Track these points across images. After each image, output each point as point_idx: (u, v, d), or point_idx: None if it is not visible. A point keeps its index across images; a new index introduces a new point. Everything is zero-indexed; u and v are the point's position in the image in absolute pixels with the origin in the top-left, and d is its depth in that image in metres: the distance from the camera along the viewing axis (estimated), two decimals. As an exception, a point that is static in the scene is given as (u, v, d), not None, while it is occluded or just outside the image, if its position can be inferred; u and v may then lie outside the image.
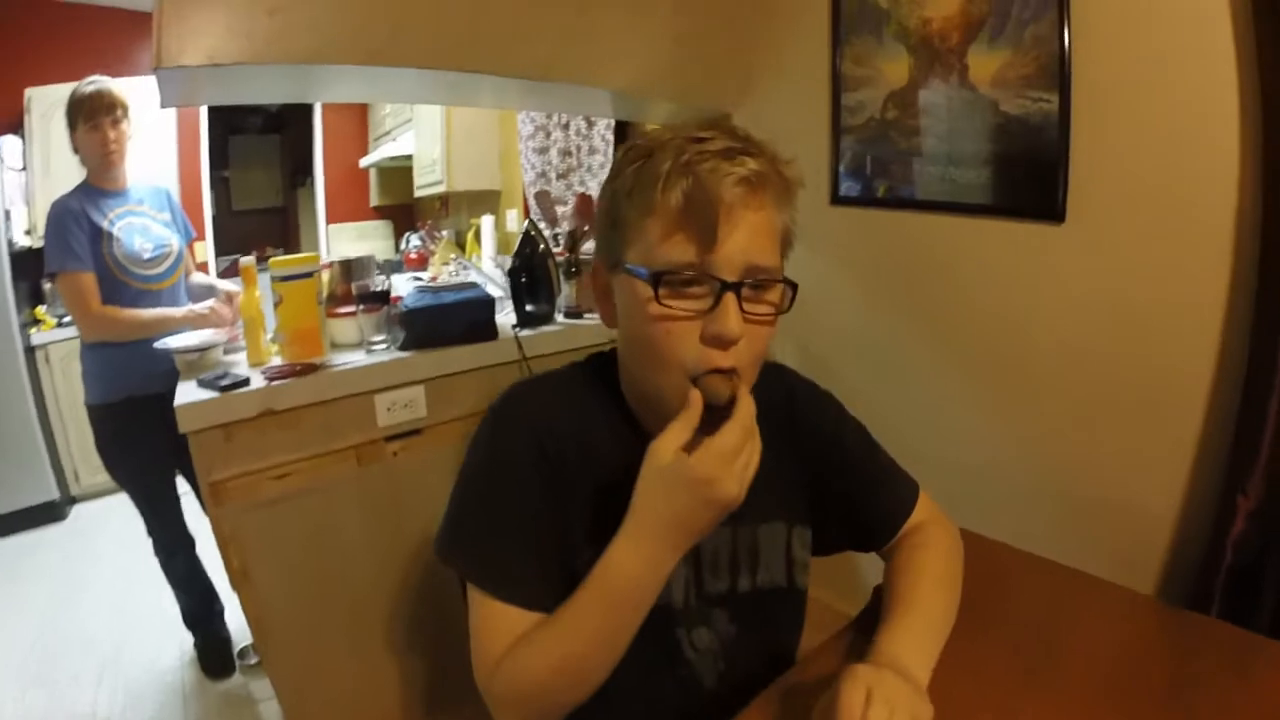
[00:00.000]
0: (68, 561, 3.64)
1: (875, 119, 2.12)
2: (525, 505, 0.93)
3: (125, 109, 2.36)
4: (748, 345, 0.85)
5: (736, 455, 0.80)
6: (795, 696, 0.93)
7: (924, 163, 2.01)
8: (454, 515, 0.97)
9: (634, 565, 0.84)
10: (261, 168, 6.53)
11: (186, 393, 1.79)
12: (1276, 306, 1.33)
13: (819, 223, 2.13)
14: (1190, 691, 0.88)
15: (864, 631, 0.99)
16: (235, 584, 1.82)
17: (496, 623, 0.91)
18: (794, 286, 0.89)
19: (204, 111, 4.97)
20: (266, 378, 1.82)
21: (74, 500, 4.29)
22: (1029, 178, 1.79)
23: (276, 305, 1.94)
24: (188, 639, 2.74)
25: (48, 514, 4.06)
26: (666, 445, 0.81)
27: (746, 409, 0.83)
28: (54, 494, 4.08)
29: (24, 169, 4.22)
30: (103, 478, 3.33)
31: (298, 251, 6.06)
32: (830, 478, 1.10)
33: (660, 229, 0.84)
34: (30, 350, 4.05)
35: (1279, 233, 1.33)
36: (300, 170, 6.25)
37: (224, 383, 1.79)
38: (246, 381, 1.81)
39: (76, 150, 2.36)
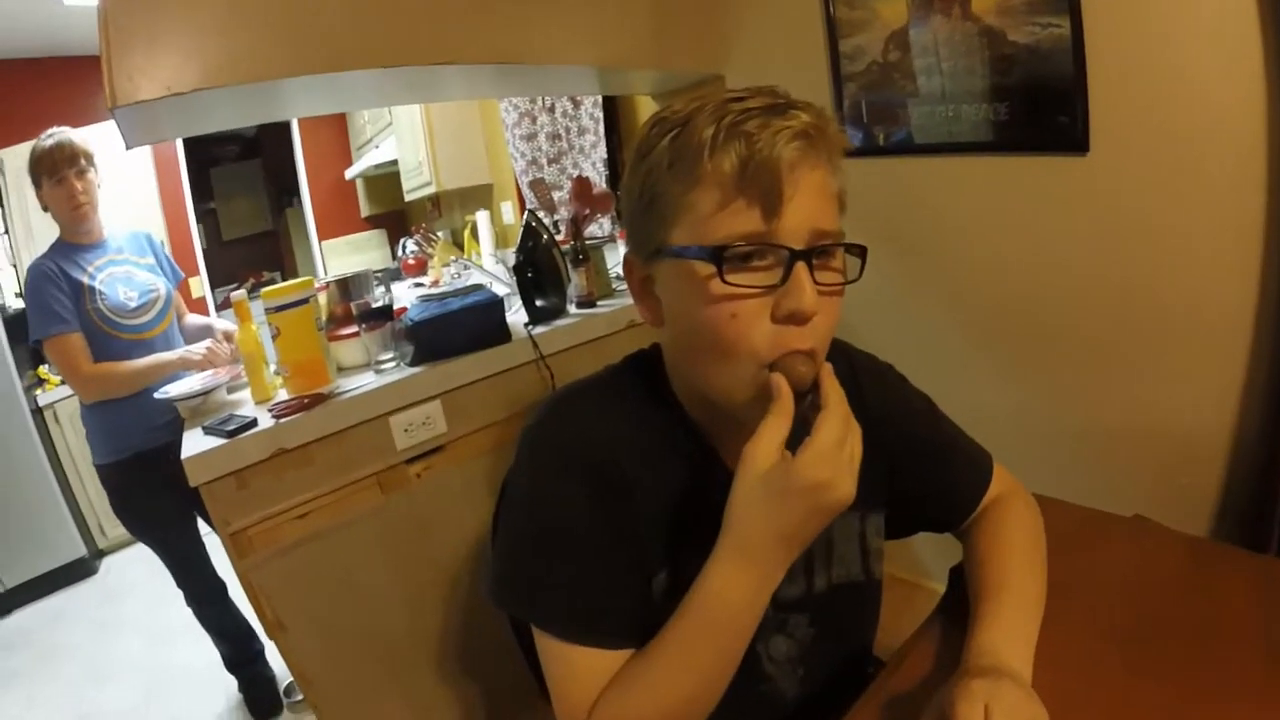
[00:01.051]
0: (102, 618, 3.60)
1: (877, 63, 2.00)
2: (590, 541, 0.84)
3: (89, 158, 2.27)
4: (823, 320, 0.76)
5: (841, 448, 0.72)
6: (896, 706, 0.85)
7: (931, 103, 1.89)
8: (511, 562, 0.88)
9: (743, 588, 0.76)
10: (245, 195, 6.46)
11: (193, 443, 1.70)
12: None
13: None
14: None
15: (951, 620, 0.93)
16: (271, 634, 1.74)
17: (580, 669, 0.82)
18: (863, 251, 0.80)
19: (180, 148, 4.89)
20: (274, 415, 1.72)
21: (102, 554, 4.30)
22: (1045, 109, 1.68)
23: (274, 338, 1.84)
24: (232, 683, 2.68)
25: (79, 571, 4.07)
26: (766, 449, 0.72)
27: (836, 392, 0.74)
28: (81, 550, 4.07)
29: (5, 232, 4.18)
30: (126, 529, 3.29)
31: (294, 273, 6.09)
32: (902, 457, 1.01)
33: (713, 200, 0.74)
34: (38, 411, 4.04)
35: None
36: (286, 191, 6.19)
37: (230, 427, 1.69)
38: (254, 422, 1.72)
39: (45, 207, 2.28)
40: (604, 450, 0.86)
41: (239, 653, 2.63)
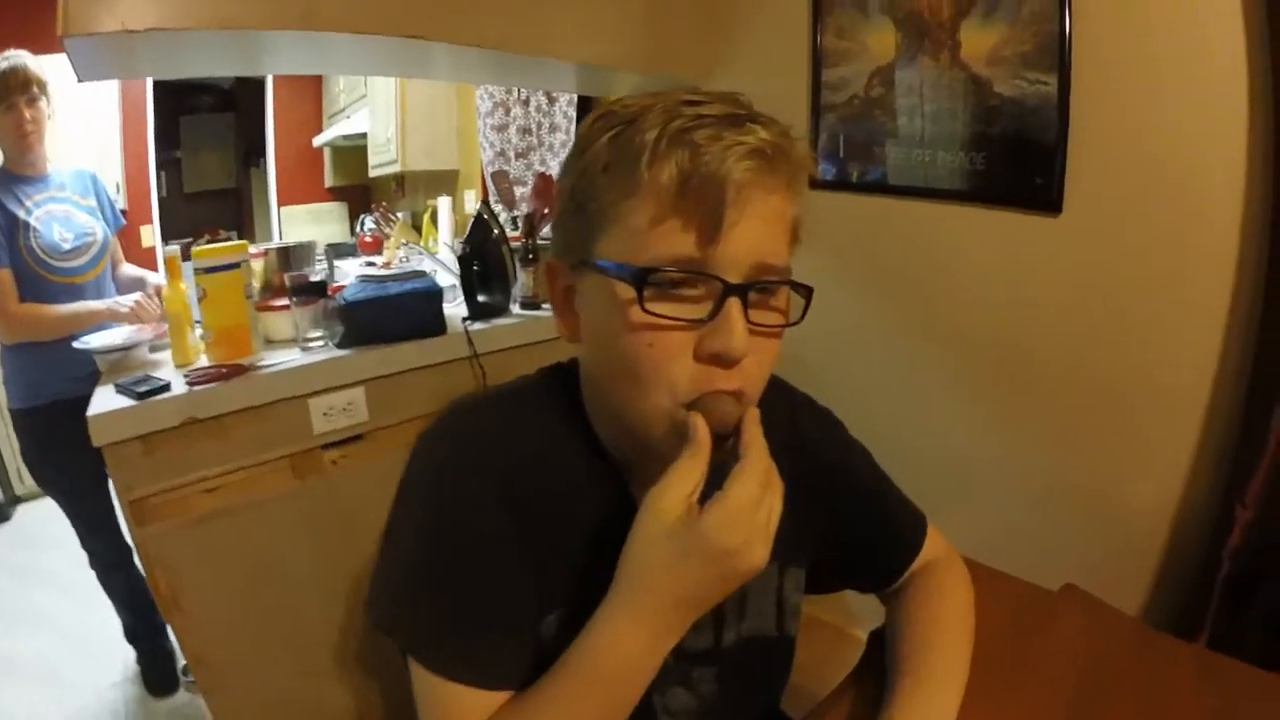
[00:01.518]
0: (12, 566, 3.52)
1: (859, 97, 1.99)
2: (479, 572, 0.76)
3: (43, 86, 2.20)
4: (754, 362, 0.69)
5: (757, 508, 0.66)
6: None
7: (908, 146, 1.89)
8: (396, 582, 0.80)
9: (634, 646, 0.70)
10: (214, 148, 6.30)
11: (102, 400, 1.63)
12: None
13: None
14: None
15: (865, 689, 0.88)
16: (166, 611, 1.67)
17: (453, 706, 0.75)
18: (808, 292, 0.73)
19: (149, 89, 4.74)
20: (189, 382, 1.66)
21: (18, 500, 4.18)
22: (1023, 164, 1.68)
23: (200, 300, 1.78)
24: (131, 654, 2.61)
25: (-8, 515, 3.90)
26: (672, 499, 0.66)
27: (758, 443, 0.68)
28: (-5, 495, 3.90)
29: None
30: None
31: (252, 236, 5.95)
32: (834, 511, 0.96)
33: (647, 214, 0.66)
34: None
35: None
36: (254, 151, 6.06)
37: (142, 388, 1.63)
38: (168, 386, 1.65)
39: None
40: (504, 473, 0.77)
41: (140, 624, 2.56)
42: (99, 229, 2.35)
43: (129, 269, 2.53)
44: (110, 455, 1.58)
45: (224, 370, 1.70)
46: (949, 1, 1.75)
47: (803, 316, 0.73)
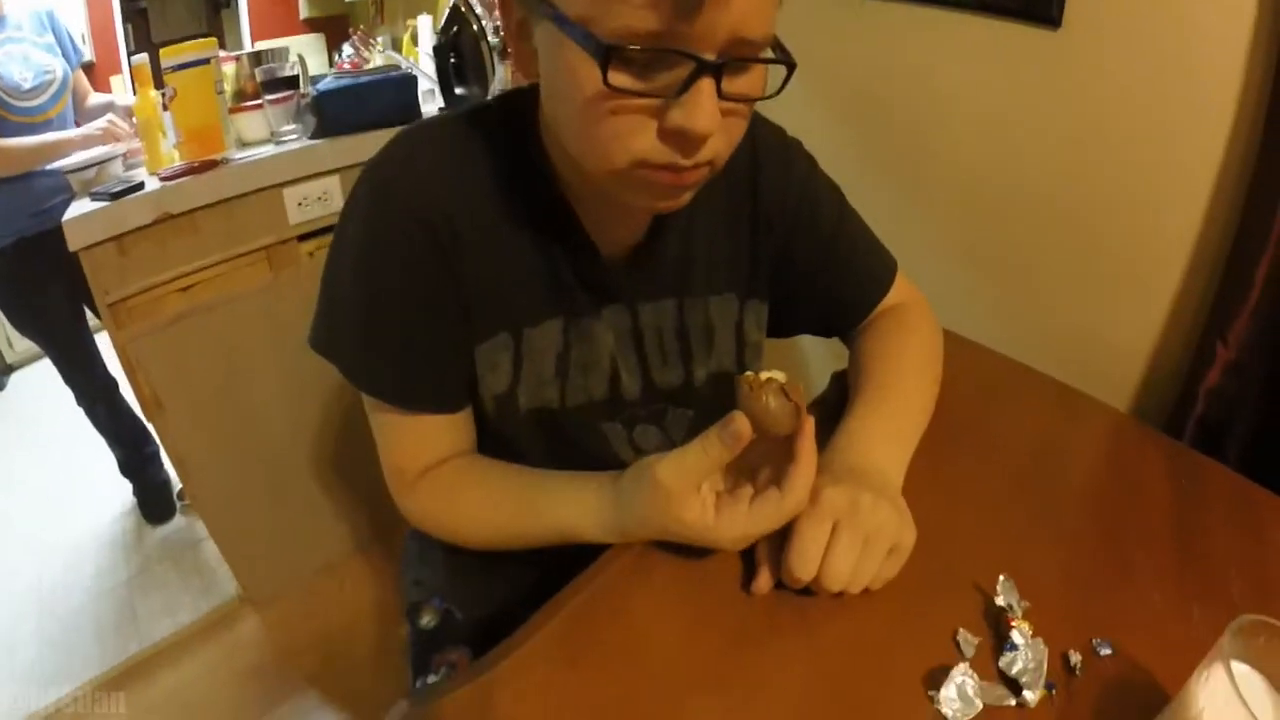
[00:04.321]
0: (5, 433, 3.58)
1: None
2: (415, 296, 0.78)
3: None
4: (723, 138, 0.64)
5: (769, 528, 0.67)
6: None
7: None
8: (332, 307, 0.82)
9: (586, 530, 0.76)
10: (181, -9, 6.11)
11: (76, 208, 1.66)
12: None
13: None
14: (1200, 541, 0.76)
15: (825, 422, 0.82)
16: (149, 414, 1.76)
17: (404, 434, 0.85)
18: (791, 66, 0.65)
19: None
20: (161, 179, 1.66)
21: (10, 369, 4.21)
22: None
23: (170, 101, 1.76)
24: (129, 488, 2.71)
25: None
26: (681, 481, 0.66)
27: (804, 479, 0.66)
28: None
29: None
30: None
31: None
32: (796, 247, 0.94)
33: None
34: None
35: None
36: (224, -8, 5.85)
37: (115, 189, 1.64)
38: (140, 186, 1.68)
39: None
40: (444, 200, 0.76)
41: (131, 456, 2.64)
42: (58, 66, 2.31)
43: (98, 98, 2.49)
44: (87, 260, 1.63)
45: (196, 165, 1.71)
46: None
47: (781, 89, 0.66)
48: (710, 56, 0.58)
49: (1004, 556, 0.71)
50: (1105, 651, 0.61)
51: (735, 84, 0.61)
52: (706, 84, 0.59)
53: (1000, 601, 0.63)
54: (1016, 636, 0.59)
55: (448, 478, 0.85)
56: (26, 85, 2.18)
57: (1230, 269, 1.30)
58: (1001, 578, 0.65)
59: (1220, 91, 1.32)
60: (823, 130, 1.91)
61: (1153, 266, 1.47)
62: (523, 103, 0.80)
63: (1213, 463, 0.90)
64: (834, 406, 0.89)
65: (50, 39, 2.33)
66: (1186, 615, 0.66)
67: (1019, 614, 0.62)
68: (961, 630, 0.63)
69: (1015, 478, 0.85)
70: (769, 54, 0.64)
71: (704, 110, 0.59)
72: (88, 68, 2.45)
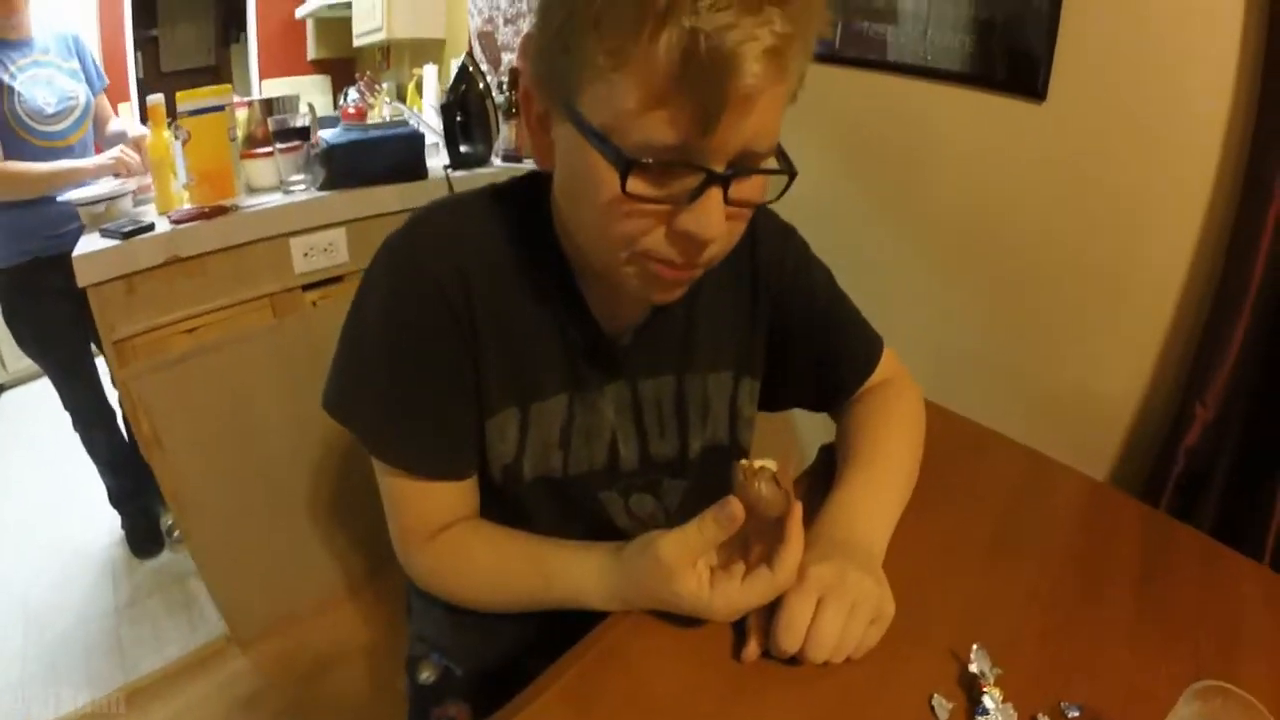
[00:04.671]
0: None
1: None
2: (434, 368, 0.82)
3: None
4: (726, 237, 0.70)
5: (760, 603, 0.72)
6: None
7: (902, 21, 1.85)
8: (349, 373, 0.86)
9: (590, 597, 0.80)
10: (192, 22, 6.19)
11: (86, 244, 1.72)
12: (1256, 217, 1.26)
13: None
14: (1160, 588, 0.83)
15: (813, 494, 0.91)
16: (148, 452, 1.78)
17: (414, 499, 0.88)
18: (792, 175, 0.71)
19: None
20: (171, 221, 1.72)
21: (2, 389, 4.21)
22: (1011, 48, 1.65)
23: (184, 144, 1.83)
24: (117, 519, 2.72)
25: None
26: (678, 558, 0.72)
27: (792, 558, 0.71)
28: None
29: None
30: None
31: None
32: (789, 326, 1.00)
33: (637, 95, 0.60)
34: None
35: (1269, 139, 1.25)
36: (234, 24, 5.95)
37: (126, 229, 1.70)
38: (151, 226, 1.73)
39: None
40: (463, 275, 0.80)
41: (126, 485, 2.65)
42: (81, 92, 2.37)
43: (117, 123, 2.55)
44: (94, 296, 1.68)
45: (206, 210, 1.76)
46: None
47: (780, 195, 0.73)
48: (720, 168, 0.64)
49: (978, 621, 0.77)
50: (1073, 715, 0.66)
51: (741, 190, 0.67)
52: (715, 193, 0.65)
53: (973, 668, 0.68)
54: (988, 701, 0.65)
55: (456, 541, 0.89)
56: (50, 110, 2.24)
57: (1209, 329, 1.36)
58: (975, 646, 0.69)
59: (1199, 161, 1.38)
60: (830, 183, 2.01)
61: (1136, 326, 1.52)
62: (537, 188, 0.85)
63: (1182, 525, 0.97)
64: (822, 477, 0.95)
65: (75, 64, 2.39)
66: (1155, 674, 0.71)
67: (991, 680, 0.67)
68: (936, 695, 0.68)
69: (989, 543, 0.90)
70: (773, 163, 0.70)
71: (712, 217, 0.65)
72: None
